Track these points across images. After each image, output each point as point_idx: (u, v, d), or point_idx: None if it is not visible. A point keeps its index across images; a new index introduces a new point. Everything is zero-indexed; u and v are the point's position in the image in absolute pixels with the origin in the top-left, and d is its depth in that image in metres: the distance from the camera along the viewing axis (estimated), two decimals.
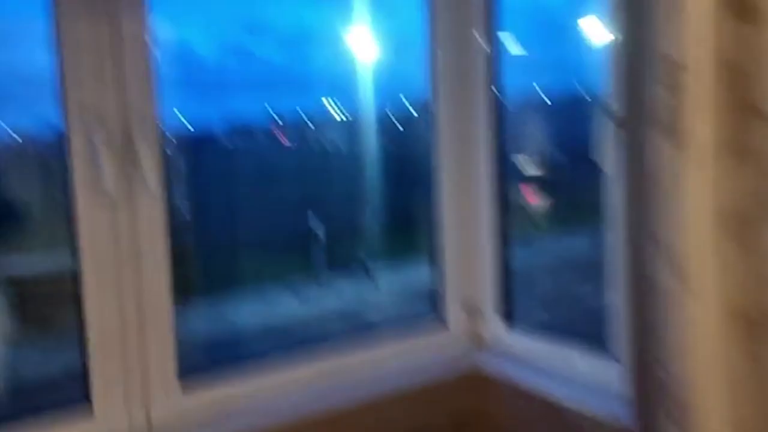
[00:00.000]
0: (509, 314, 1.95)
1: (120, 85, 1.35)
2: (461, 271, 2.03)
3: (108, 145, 1.33)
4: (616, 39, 1.25)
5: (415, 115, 2.32)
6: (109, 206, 1.36)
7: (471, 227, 1.99)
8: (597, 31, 1.56)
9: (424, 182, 2.05)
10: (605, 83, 1.42)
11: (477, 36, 1.86)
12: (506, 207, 1.92)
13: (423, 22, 1.90)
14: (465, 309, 2.00)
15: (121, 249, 1.39)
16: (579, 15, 1.84)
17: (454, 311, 2.02)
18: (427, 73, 1.91)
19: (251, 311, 5.25)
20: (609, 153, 1.38)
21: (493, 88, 1.87)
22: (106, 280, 1.37)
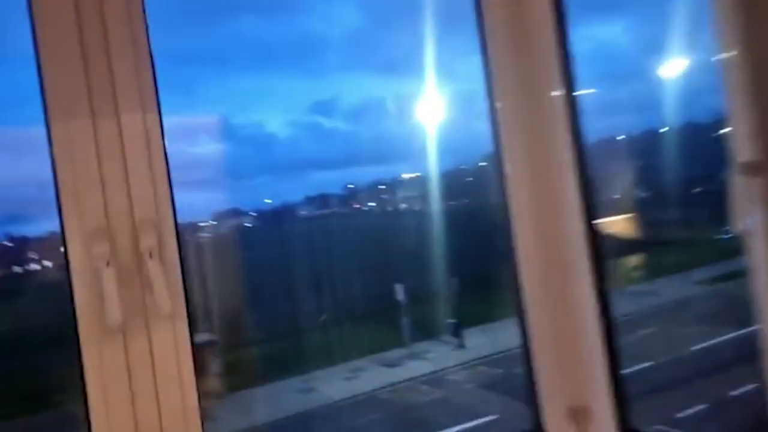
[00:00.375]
0: (623, 412, 1.55)
1: (125, 191, 1.15)
2: (557, 359, 1.62)
3: (113, 263, 1.10)
4: (736, 62, 1.04)
5: (491, 171, 2.23)
6: (116, 336, 1.12)
7: (566, 298, 1.67)
8: (673, 66, 1.45)
9: (504, 240, 1.90)
10: (726, 121, 1.22)
11: (549, 82, 1.77)
12: (601, 262, 1.66)
13: (485, 75, 1.83)
14: (567, 412, 1.59)
15: (135, 381, 1.13)
16: (650, 52, 1.74)
17: (552, 416, 1.63)
18: (494, 126, 1.82)
19: (335, 386, 5.16)
20: (736, 205, 1.15)
21: (573, 133, 1.75)
22: (119, 417, 1.13)
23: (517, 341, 1.95)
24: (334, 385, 4.72)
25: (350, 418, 4.22)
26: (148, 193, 1.16)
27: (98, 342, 1.10)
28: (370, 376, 4.92)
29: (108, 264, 1.08)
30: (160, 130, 1.18)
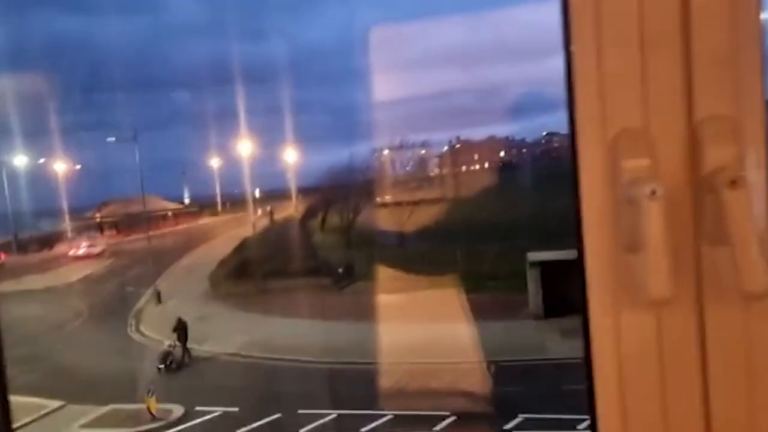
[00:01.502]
0: None
1: (675, 74, 0.68)
2: None
3: (657, 192, 0.62)
4: None
5: None
6: (651, 310, 0.68)
7: None
8: None
9: None
10: None
11: None
12: None
13: None
14: None
15: (673, 383, 0.71)
16: None
17: None
18: None
19: None
20: None
21: None
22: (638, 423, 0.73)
23: None
24: None
25: None
26: (738, 81, 0.68)
27: (618, 311, 0.68)
28: None
29: (652, 193, 0.61)
30: None
